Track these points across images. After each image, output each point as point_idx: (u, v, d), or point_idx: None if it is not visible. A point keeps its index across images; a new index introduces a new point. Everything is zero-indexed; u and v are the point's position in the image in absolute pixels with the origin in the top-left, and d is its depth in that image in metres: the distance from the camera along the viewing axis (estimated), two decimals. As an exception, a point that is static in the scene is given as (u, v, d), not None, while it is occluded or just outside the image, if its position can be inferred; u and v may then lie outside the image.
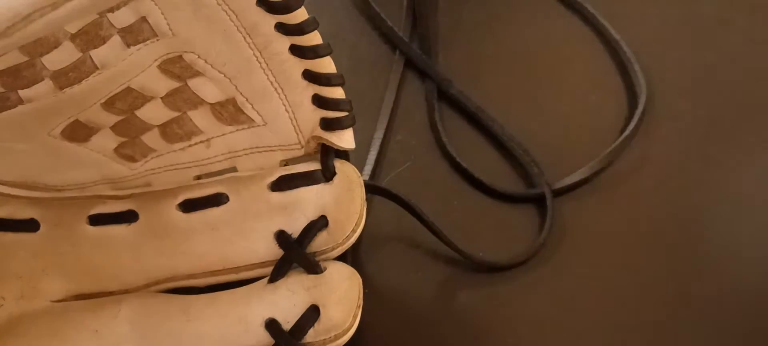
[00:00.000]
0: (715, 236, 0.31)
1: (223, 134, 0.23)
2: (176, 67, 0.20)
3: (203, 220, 0.24)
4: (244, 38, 0.19)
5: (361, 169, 0.30)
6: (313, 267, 0.22)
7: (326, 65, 0.21)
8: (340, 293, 0.21)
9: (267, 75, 0.21)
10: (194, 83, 0.21)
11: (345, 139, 0.23)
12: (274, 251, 0.23)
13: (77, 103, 0.20)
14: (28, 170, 0.23)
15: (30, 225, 0.23)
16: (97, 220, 0.24)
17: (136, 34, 0.19)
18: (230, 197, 0.24)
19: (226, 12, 0.18)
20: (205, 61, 0.20)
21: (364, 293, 0.22)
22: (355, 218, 0.22)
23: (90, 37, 0.18)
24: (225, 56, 0.20)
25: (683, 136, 0.33)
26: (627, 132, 0.32)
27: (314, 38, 0.20)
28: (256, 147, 0.24)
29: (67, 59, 0.18)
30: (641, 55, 0.34)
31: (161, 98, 0.22)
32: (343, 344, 0.22)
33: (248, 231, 0.23)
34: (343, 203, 0.22)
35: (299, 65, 0.21)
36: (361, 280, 0.22)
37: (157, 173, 0.25)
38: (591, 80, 0.35)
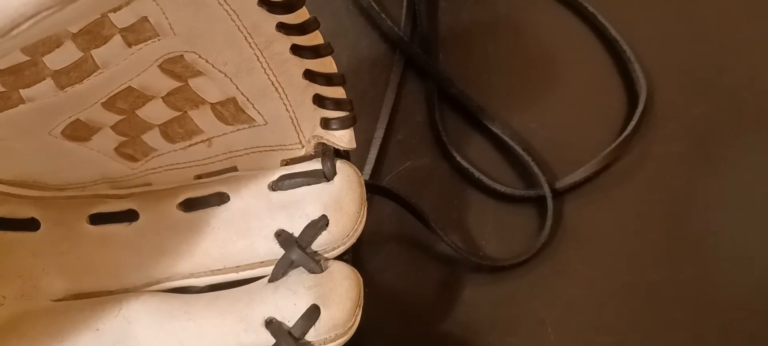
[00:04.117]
0: (716, 234, 0.31)
1: (223, 134, 0.23)
2: (177, 66, 0.20)
3: (204, 219, 0.24)
4: (246, 38, 0.19)
5: (361, 169, 0.30)
6: (313, 266, 0.22)
7: (327, 65, 0.21)
8: (340, 293, 0.21)
9: (268, 75, 0.21)
10: (195, 83, 0.21)
11: (346, 139, 0.23)
12: (275, 251, 0.23)
13: (78, 102, 0.20)
14: (29, 169, 0.23)
15: (30, 224, 0.23)
16: (97, 219, 0.24)
17: (137, 33, 0.19)
18: (231, 197, 0.24)
19: (227, 12, 0.18)
20: (207, 61, 0.20)
21: (365, 293, 0.22)
22: (356, 218, 0.22)
23: (92, 36, 0.18)
24: (226, 56, 0.20)
25: (684, 135, 0.33)
26: (627, 131, 0.32)
27: (315, 38, 0.20)
28: (257, 146, 0.24)
29: (69, 59, 0.18)
30: (641, 55, 0.34)
31: (162, 98, 0.22)
32: (344, 343, 0.22)
33: (249, 230, 0.23)
34: (343, 202, 0.22)
35: (300, 65, 0.21)
36: (361, 279, 0.22)
37: (157, 173, 0.25)
38: (591, 80, 0.35)
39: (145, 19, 0.18)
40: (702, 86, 0.34)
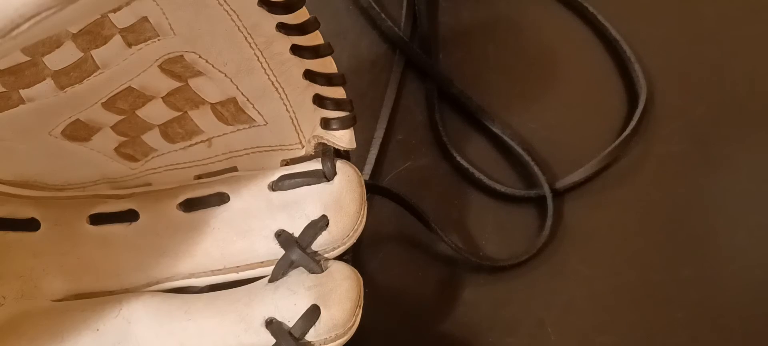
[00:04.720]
0: (716, 234, 0.31)
1: (223, 134, 0.23)
2: (177, 66, 0.20)
3: (204, 219, 0.24)
4: (246, 38, 0.19)
5: (361, 169, 0.30)
6: (313, 267, 0.22)
7: (327, 65, 0.21)
8: (340, 293, 0.21)
9: (268, 75, 0.21)
10: (195, 83, 0.21)
11: (346, 139, 0.23)
12: (275, 251, 0.22)
13: (78, 102, 0.20)
14: (29, 169, 0.23)
15: (30, 224, 0.23)
16: (97, 219, 0.24)
17: (137, 33, 0.19)
18: (231, 197, 0.24)
19: (227, 12, 0.18)
20: (207, 61, 0.20)
21: (365, 293, 0.22)
22: (356, 218, 0.22)
23: (92, 36, 0.18)
24: (226, 56, 0.20)
25: (684, 135, 0.33)
26: (627, 131, 0.32)
27: (315, 38, 0.20)
28: (257, 147, 0.24)
29: (69, 59, 0.18)
30: (641, 55, 0.34)
31: (162, 98, 0.22)
32: (344, 343, 0.22)
33: (249, 230, 0.23)
34: (343, 202, 0.22)
35: (300, 65, 0.21)
36: (361, 279, 0.22)
37: (157, 173, 0.25)
38: (591, 80, 0.35)
39: (145, 19, 0.18)
40: (702, 86, 0.34)
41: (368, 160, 0.32)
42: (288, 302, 0.21)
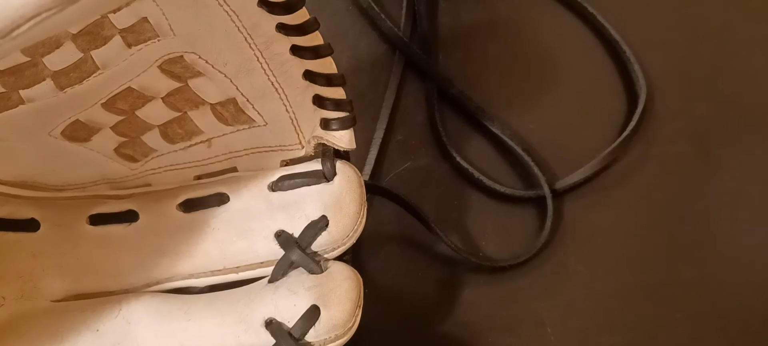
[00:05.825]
0: (715, 235, 0.31)
1: (223, 134, 0.23)
2: (177, 67, 0.20)
3: (204, 220, 0.24)
4: (245, 39, 0.19)
5: (361, 169, 0.30)
6: (313, 267, 0.22)
7: (327, 66, 0.21)
8: (340, 293, 0.21)
9: (268, 75, 0.21)
10: (195, 83, 0.21)
11: (346, 140, 0.23)
12: (275, 251, 0.23)
13: (78, 103, 0.20)
14: (29, 170, 0.23)
15: (30, 225, 0.23)
16: (97, 220, 0.24)
17: (137, 34, 0.19)
18: (231, 197, 0.24)
19: (227, 12, 0.18)
20: (206, 62, 0.20)
21: (365, 293, 0.22)
22: (356, 218, 0.22)
23: (92, 37, 0.18)
24: (226, 56, 0.20)
25: (683, 135, 0.33)
26: (627, 132, 0.32)
27: (315, 39, 0.20)
28: (257, 147, 0.24)
29: (69, 59, 0.18)
30: (641, 55, 0.34)
31: (162, 98, 0.22)
32: (344, 343, 0.22)
33: (248, 231, 0.23)
34: (343, 202, 0.22)
35: (300, 65, 0.21)
36: (361, 280, 0.22)
37: (157, 173, 0.25)
38: (591, 80, 0.35)
39: (144, 19, 0.18)
40: (702, 86, 0.34)
41: (368, 160, 0.32)
42: (288, 302, 0.21)
